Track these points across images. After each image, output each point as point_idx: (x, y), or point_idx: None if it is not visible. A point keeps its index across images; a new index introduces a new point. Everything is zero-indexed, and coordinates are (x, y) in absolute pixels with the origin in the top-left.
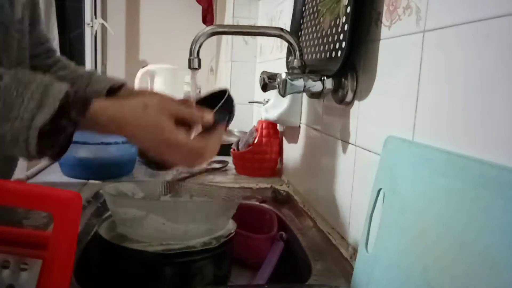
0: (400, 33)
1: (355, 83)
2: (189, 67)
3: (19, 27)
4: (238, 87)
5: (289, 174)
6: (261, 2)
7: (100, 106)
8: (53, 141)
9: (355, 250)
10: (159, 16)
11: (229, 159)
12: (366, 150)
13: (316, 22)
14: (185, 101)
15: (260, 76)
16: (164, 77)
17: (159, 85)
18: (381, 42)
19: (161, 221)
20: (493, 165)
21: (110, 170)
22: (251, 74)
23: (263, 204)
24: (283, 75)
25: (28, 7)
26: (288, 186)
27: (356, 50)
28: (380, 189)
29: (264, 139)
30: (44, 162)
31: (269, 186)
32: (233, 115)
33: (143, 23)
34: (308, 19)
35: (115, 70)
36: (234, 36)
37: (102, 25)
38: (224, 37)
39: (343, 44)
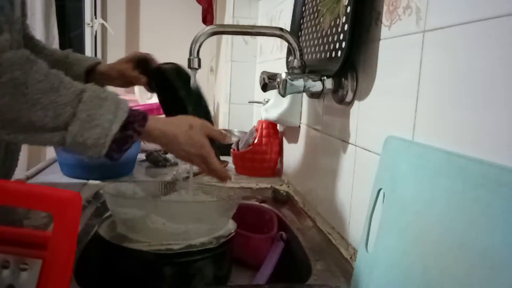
0: (400, 33)
1: (355, 83)
2: (189, 67)
3: (17, 26)
4: (238, 87)
5: (289, 174)
6: (261, 2)
7: (155, 121)
8: (121, 147)
9: (355, 250)
10: (159, 16)
11: (229, 159)
12: (366, 150)
13: (316, 22)
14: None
15: (260, 76)
16: None
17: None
18: (381, 42)
19: (161, 221)
20: (493, 165)
21: (110, 170)
22: (251, 74)
23: (263, 204)
24: (283, 75)
25: (21, 4)
26: (288, 186)
27: (356, 50)
28: (380, 189)
29: (264, 139)
30: (44, 162)
31: (269, 186)
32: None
33: (143, 23)
34: (308, 19)
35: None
36: (234, 36)
37: (102, 25)
38: (224, 37)
39: (343, 44)
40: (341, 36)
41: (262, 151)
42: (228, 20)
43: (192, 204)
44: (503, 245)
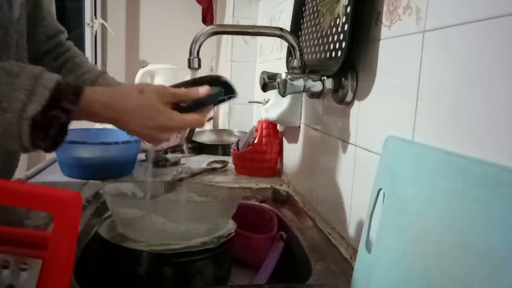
0: (400, 33)
1: (355, 83)
2: (189, 67)
3: (17, 27)
4: (238, 87)
5: (289, 174)
6: (261, 2)
7: (93, 93)
8: (46, 132)
9: (355, 250)
10: (159, 16)
11: (229, 159)
12: (366, 150)
13: (316, 22)
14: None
15: (260, 76)
16: (164, 77)
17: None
18: (381, 42)
19: (161, 221)
20: (493, 165)
21: (110, 170)
22: (251, 74)
23: (263, 204)
24: (283, 75)
25: (25, 6)
26: (288, 186)
27: (356, 50)
28: (380, 189)
29: (264, 139)
30: (44, 162)
31: (269, 186)
32: (233, 95)
33: (143, 23)
34: (308, 19)
35: (115, 70)
36: (234, 36)
37: (102, 25)
38: (224, 37)
39: (343, 44)
40: (341, 36)
41: (262, 151)
42: (228, 20)
43: (192, 204)
44: (503, 245)
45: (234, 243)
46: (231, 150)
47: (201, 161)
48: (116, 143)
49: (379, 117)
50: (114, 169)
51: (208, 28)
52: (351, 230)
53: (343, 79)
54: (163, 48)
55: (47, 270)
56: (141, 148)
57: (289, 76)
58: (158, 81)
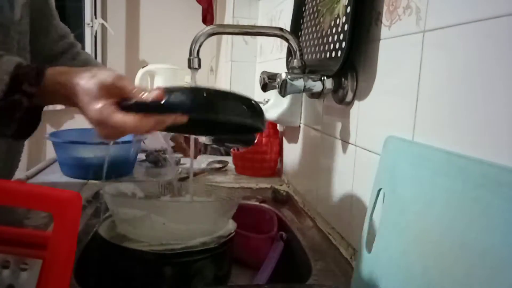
0: (400, 33)
1: (355, 83)
2: (189, 67)
3: (19, 28)
4: (238, 87)
5: (289, 174)
6: (261, 2)
7: (54, 73)
8: (10, 118)
9: (355, 250)
10: (159, 16)
11: (229, 159)
12: (366, 150)
13: (316, 22)
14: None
15: (260, 76)
16: (164, 77)
17: (159, 85)
18: (381, 42)
19: (161, 221)
20: (493, 165)
21: (110, 170)
22: (251, 74)
23: (263, 204)
24: (283, 75)
25: (28, 7)
26: (288, 186)
27: (356, 50)
28: (380, 189)
29: (264, 139)
30: (44, 162)
31: (269, 186)
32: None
33: (143, 23)
34: (308, 19)
35: (115, 70)
36: (234, 36)
37: (102, 25)
38: (224, 37)
39: (343, 44)
40: (341, 36)
41: (262, 151)
42: (228, 20)
43: (192, 204)
44: (503, 245)
45: (234, 243)
46: (231, 150)
47: (201, 161)
48: (116, 143)
49: (379, 117)
50: (114, 169)
51: (208, 28)
52: (351, 230)
53: (343, 79)
54: (163, 48)
55: (47, 270)
56: (141, 148)
57: (289, 76)
58: (158, 81)
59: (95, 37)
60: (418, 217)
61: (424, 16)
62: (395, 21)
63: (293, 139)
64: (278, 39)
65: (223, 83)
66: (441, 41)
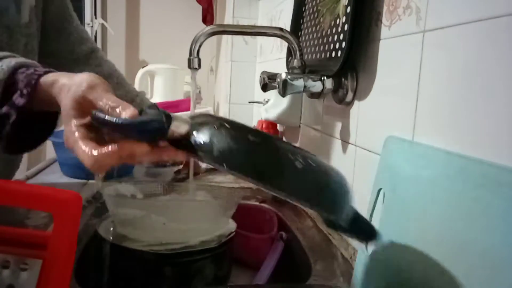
0: (400, 33)
1: (355, 83)
2: (189, 67)
3: (26, 30)
4: (238, 87)
5: None
6: (261, 2)
7: (57, 75)
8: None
9: (355, 250)
10: (159, 16)
11: None
12: (366, 150)
13: (316, 22)
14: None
15: (260, 76)
16: (164, 77)
17: (159, 85)
18: (381, 42)
19: (161, 221)
20: (493, 165)
21: (110, 170)
22: (251, 74)
23: (263, 204)
24: (283, 75)
25: (41, 10)
26: None
27: (356, 50)
28: (380, 189)
29: None
30: (44, 162)
31: None
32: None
33: (143, 23)
34: (308, 19)
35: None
36: (234, 36)
37: (102, 25)
38: (224, 37)
39: (343, 44)
40: (341, 36)
41: None
42: (228, 20)
43: (192, 204)
44: (503, 245)
45: (234, 243)
46: None
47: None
48: None
49: (379, 117)
50: (114, 169)
51: (208, 28)
52: None
53: (343, 79)
54: (163, 48)
55: (47, 270)
56: None
57: (289, 76)
58: (158, 81)
59: (95, 37)
60: (418, 217)
61: (424, 16)
62: (395, 21)
63: (293, 139)
64: (278, 39)
65: (223, 83)
66: (441, 41)
